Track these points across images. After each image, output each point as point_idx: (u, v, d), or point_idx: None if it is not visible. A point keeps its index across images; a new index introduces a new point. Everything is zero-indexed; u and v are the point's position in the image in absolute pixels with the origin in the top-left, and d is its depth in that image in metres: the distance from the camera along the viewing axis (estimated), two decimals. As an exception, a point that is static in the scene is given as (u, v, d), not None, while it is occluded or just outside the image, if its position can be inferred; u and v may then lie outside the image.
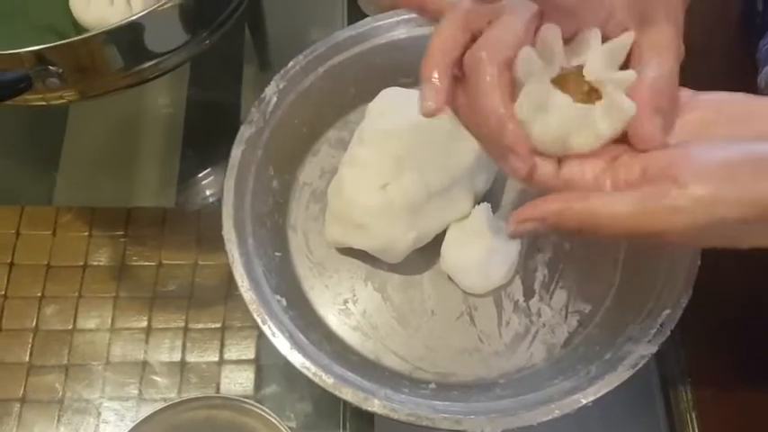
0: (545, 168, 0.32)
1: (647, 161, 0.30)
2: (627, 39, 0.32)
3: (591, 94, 0.32)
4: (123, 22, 0.41)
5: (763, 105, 0.31)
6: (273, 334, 0.39)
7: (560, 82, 0.32)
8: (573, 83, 0.32)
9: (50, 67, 0.40)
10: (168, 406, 0.40)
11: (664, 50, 0.31)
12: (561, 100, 0.31)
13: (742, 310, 0.44)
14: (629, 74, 0.31)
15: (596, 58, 0.32)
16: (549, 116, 0.31)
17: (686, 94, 0.32)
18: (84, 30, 0.47)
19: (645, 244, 0.32)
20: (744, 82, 0.49)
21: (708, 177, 0.28)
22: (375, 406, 0.37)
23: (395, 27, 0.48)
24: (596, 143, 0.31)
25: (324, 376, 0.38)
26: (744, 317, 0.44)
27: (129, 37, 0.42)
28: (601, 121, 0.31)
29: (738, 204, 0.27)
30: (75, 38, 0.40)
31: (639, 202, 0.29)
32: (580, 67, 0.32)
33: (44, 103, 0.44)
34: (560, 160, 0.32)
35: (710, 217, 0.28)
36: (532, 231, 0.31)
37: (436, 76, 0.31)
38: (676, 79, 0.32)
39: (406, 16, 0.48)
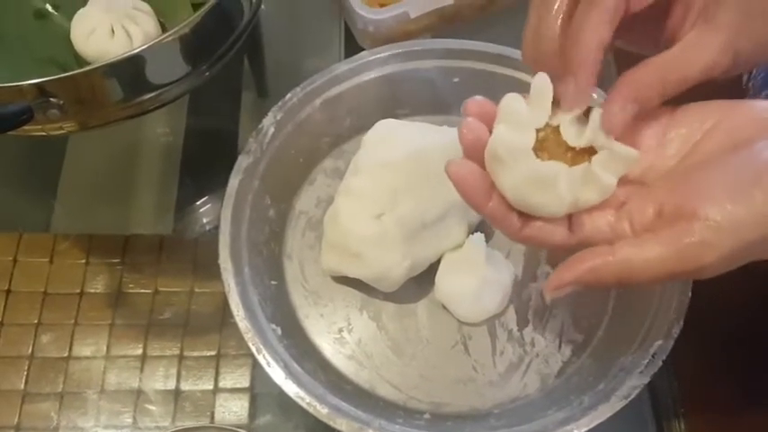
0: (557, 233, 0.32)
1: (660, 201, 0.30)
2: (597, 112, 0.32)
3: (572, 155, 0.32)
4: (125, 55, 0.41)
5: (738, 108, 0.32)
6: (268, 363, 0.39)
7: (538, 145, 0.32)
8: (552, 143, 0.32)
9: (52, 99, 0.40)
10: (163, 435, 0.40)
11: (705, 40, 0.31)
12: (558, 168, 0.31)
13: (734, 339, 0.45)
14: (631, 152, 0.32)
15: (592, 124, 0.32)
16: (556, 189, 0.31)
17: (667, 108, 0.33)
18: (85, 62, 0.48)
19: (689, 279, 0.33)
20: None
21: (722, 206, 0.28)
22: (369, 437, 0.37)
23: (390, 60, 0.48)
24: (604, 196, 0.32)
25: (318, 406, 0.38)
26: (736, 346, 0.45)
27: (129, 69, 0.43)
28: (603, 175, 0.31)
29: (757, 225, 0.28)
30: (77, 71, 0.41)
31: (669, 246, 0.29)
32: (556, 128, 0.32)
33: (44, 133, 0.45)
34: (570, 218, 0.32)
35: (736, 244, 0.28)
36: (570, 293, 0.31)
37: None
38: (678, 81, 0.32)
39: (401, 50, 0.49)
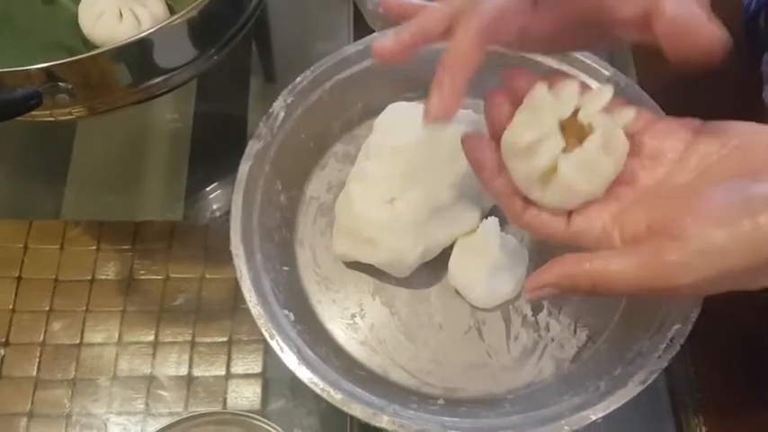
0: (556, 225, 0.33)
1: (653, 215, 0.30)
2: (607, 93, 0.32)
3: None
4: (133, 38, 0.41)
5: (760, 136, 0.31)
6: (281, 349, 0.38)
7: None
8: (572, 129, 0.33)
9: (60, 84, 0.40)
10: (177, 421, 0.40)
11: None
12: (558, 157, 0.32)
13: (753, 323, 0.44)
14: (629, 111, 0.32)
15: (593, 101, 0.32)
16: (559, 172, 0.32)
17: (692, 124, 0.32)
18: (94, 46, 0.48)
19: (658, 296, 0.34)
20: (748, 97, 0.49)
21: (708, 230, 0.28)
22: (384, 422, 0.37)
23: (402, 42, 0.48)
24: (603, 186, 0.32)
25: (332, 392, 0.37)
26: (755, 331, 0.44)
27: (138, 53, 0.42)
28: (605, 162, 0.32)
29: (739, 255, 0.27)
30: (86, 54, 0.40)
31: (645, 261, 0.29)
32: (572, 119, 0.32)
33: (52, 118, 0.45)
34: (569, 214, 0.33)
35: (715, 269, 0.28)
36: (550, 295, 0.32)
37: (406, 30, 0.33)
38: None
39: (412, 31, 0.48)
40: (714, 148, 0.31)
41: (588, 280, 0.30)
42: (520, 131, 0.32)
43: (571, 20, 0.33)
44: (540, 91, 0.33)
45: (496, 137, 0.34)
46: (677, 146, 0.32)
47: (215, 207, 0.55)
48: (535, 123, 0.32)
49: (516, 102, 0.34)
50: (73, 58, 0.40)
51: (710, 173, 0.31)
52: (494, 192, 0.34)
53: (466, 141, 0.34)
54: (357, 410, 0.37)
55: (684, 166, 0.32)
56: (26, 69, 0.39)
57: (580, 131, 0.32)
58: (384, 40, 0.33)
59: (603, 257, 0.30)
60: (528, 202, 0.33)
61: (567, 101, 0.32)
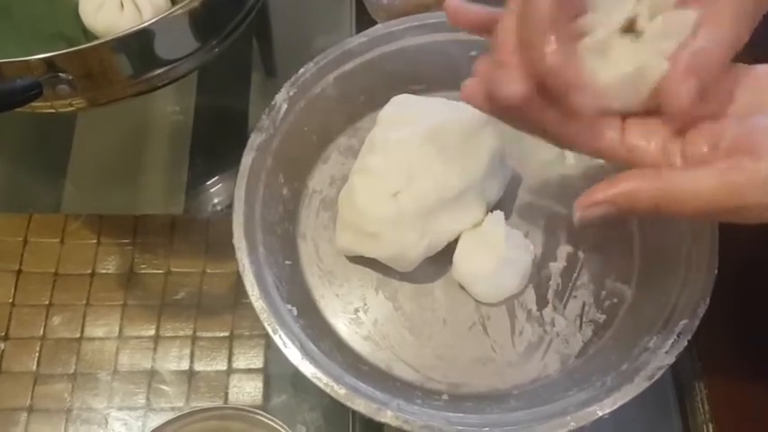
0: (610, 133, 0.30)
1: (717, 135, 0.29)
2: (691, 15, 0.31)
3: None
4: (134, 28, 0.41)
5: None
6: (285, 344, 0.38)
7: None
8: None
9: (61, 74, 0.40)
10: (180, 416, 0.39)
11: (718, 21, 0.30)
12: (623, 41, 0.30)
13: (761, 318, 0.44)
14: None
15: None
16: (615, 56, 0.30)
17: (742, 68, 0.31)
18: (94, 36, 0.47)
19: (725, 219, 0.30)
20: None
21: None
22: (388, 417, 0.36)
23: (405, 34, 0.47)
24: (664, 66, 0.30)
25: (335, 387, 0.37)
26: (763, 326, 0.44)
27: (139, 44, 0.42)
28: (665, 42, 0.30)
29: None
30: (86, 45, 0.40)
31: (721, 177, 0.27)
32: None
33: (53, 110, 0.44)
34: (623, 123, 0.30)
35: None
36: (603, 216, 0.29)
37: (507, 60, 0.30)
38: (724, 54, 0.30)
39: (416, 23, 0.47)
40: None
41: (651, 199, 0.28)
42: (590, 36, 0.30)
43: None
44: None
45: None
46: (731, 84, 0.30)
47: (216, 201, 0.54)
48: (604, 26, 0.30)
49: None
50: (73, 49, 0.39)
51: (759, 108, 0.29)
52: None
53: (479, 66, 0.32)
54: (361, 405, 0.37)
55: (738, 102, 0.30)
56: (26, 60, 0.39)
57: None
58: (513, 87, 0.30)
59: (672, 174, 0.28)
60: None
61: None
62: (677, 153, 0.30)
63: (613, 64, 0.31)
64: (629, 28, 0.31)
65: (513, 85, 0.30)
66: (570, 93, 0.29)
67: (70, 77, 0.40)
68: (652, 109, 0.31)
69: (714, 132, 0.29)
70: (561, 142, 0.32)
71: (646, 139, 0.30)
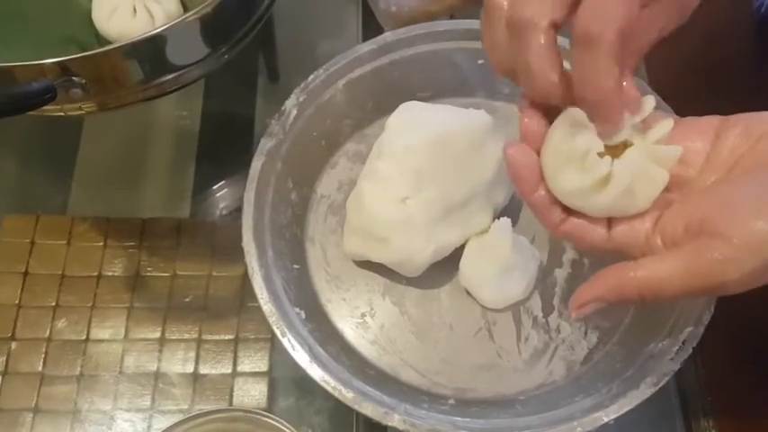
0: (596, 233, 0.32)
1: (689, 215, 0.30)
2: (667, 125, 0.32)
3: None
4: (147, 34, 0.41)
5: None
6: (293, 347, 0.38)
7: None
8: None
9: (74, 78, 0.40)
10: (187, 418, 0.39)
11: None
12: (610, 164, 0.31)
13: (760, 326, 0.44)
14: (668, 122, 0.32)
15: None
16: (616, 175, 0.31)
17: (714, 122, 0.32)
18: (107, 41, 0.48)
19: (711, 295, 0.33)
20: (761, 98, 0.49)
21: (747, 222, 0.28)
22: (395, 421, 0.37)
23: (414, 42, 0.48)
24: (657, 192, 0.32)
25: (343, 390, 0.37)
26: (762, 333, 0.44)
27: (151, 49, 0.42)
28: (657, 170, 0.31)
29: None
30: (100, 49, 0.40)
31: (689, 263, 0.29)
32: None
33: (62, 113, 0.44)
34: (609, 223, 0.32)
35: (762, 259, 0.28)
36: (596, 311, 0.31)
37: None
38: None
39: (424, 31, 0.48)
40: (739, 142, 0.31)
41: (635, 289, 0.30)
42: (569, 141, 0.32)
43: None
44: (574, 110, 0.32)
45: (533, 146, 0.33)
46: (703, 146, 0.32)
47: (222, 205, 0.54)
48: (582, 132, 0.32)
49: (550, 113, 0.33)
50: (87, 53, 0.40)
51: (739, 167, 0.31)
52: (533, 203, 0.33)
53: (509, 150, 0.32)
54: (368, 409, 0.37)
55: (712, 164, 0.32)
56: (40, 64, 0.39)
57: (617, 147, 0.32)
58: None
59: (647, 265, 0.30)
60: (565, 210, 0.33)
61: None
62: (659, 240, 0.31)
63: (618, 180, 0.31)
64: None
65: None
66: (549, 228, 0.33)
67: (83, 81, 0.40)
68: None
69: (685, 212, 0.30)
70: (552, 232, 0.34)
71: (630, 234, 0.32)
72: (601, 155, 0.31)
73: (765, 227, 0.27)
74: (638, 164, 0.31)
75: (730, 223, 0.28)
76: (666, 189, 0.32)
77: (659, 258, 0.30)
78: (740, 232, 0.28)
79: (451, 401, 0.40)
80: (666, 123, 0.32)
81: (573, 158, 0.32)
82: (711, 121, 0.33)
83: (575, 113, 0.32)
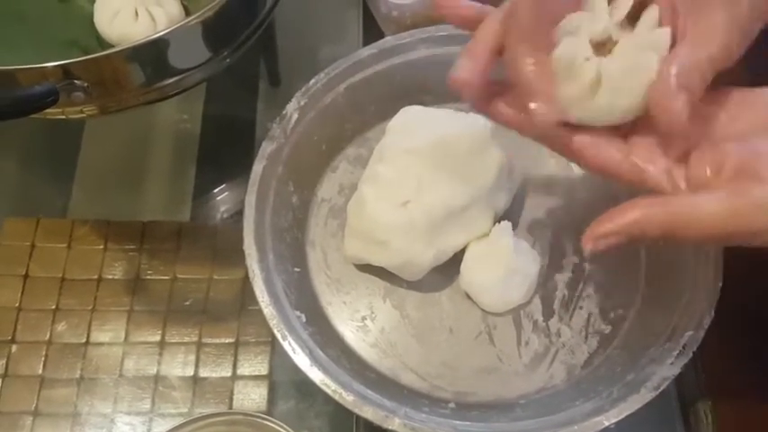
0: (611, 150, 0.31)
1: (720, 158, 0.29)
2: (653, 12, 0.31)
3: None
4: (149, 37, 0.41)
5: None
6: (294, 350, 0.38)
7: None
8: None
9: (76, 82, 0.40)
10: (187, 421, 0.39)
11: (707, 36, 0.30)
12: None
13: (760, 328, 0.44)
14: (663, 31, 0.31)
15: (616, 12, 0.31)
16: (610, 64, 0.31)
17: (739, 92, 0.31)
18: (108, 45, 0.48)
19: (732, 243, 0.30)
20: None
21: None
22: (396, 425, 0.37)
23: (415, 46, 0.48)
24: (650, 77, 0.30)
25: (344, 394, 0.37)
26: (762, 336, 0.44)
27: (153, 53, 0.42)
28: (643, 56, 0.30)
29: None
30: (102, 53, 0.40)
31: (729, 203, 0.28)
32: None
33: (63, 117, 0.45)
34: (628, 143, 0.31)
35: None
36: (614, 246, 0.30)
37: (474, 52, 0.32)
38: (709, 70, 0.30)
39: (426, 35, 0.48)
40: (763, 112, 0.30)
41: (661, 225, 0.28)
42: (557, 52, 0.31)
43: None
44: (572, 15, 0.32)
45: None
46: (730, 107, 0.31)
47: (223, 208, 0.54)
48: (572, 42, 0.31)
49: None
50: (89, 57, 0.40)
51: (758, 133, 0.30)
52: (537, 129, 0.31)
53: (453, 75, 0.32)
54: (369, 413, 0.37)
55: (735, 127, 0.31)
56: (42, 67, 0.39)
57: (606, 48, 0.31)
58: (461, 72, 0.32)
59: (684, 199, 0.29)
60: (571, 127, 0.31)
61: (599, 17, 0.31)
62: (681, 176, 0.30)
63: (582, 76, 0.31)
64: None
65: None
66: (532, 100, 0.30)
67: (85, 85, 0.40)
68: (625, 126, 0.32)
69: (716, 156, 0.29)
70: (566, 154, 0.33)
71: (650, 159, 0.31)
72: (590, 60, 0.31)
73: None
74: (626, 56, 0.30)
75: None
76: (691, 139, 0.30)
77: (694, 196, 0.29)
78: None
79: (452, 405, 0.41)
80: (652, 10, 0.31)
81: (560, 67, 0.31)
82: (734, 90, 0.31)
83: (566, 23, 0.31)
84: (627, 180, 0.31)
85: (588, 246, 0.30)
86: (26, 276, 0.49)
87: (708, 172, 0.29)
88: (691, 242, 0.30)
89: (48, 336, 0.47)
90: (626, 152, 0.31)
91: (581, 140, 0.32)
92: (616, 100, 0.31)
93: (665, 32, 0.31)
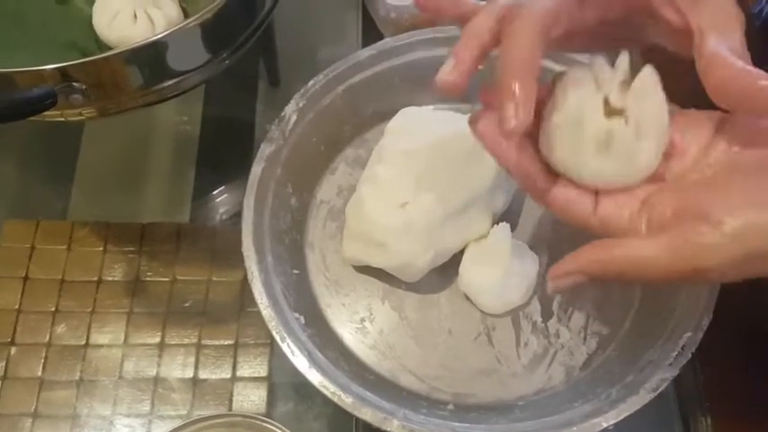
0: (582, 204, 0.31)
1: (680, 202, 0.30)
2: (624, 57, 0.31)
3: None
4: (148, 40, 0.41)
5: None
6: (293, 352, 0.38)
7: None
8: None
9: (75, 84, 0.40)
10: (187, 423, 0.39)
11: (726, 23, 0.30)
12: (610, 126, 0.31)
13: (760, 330, 0.44)
14: (646, 71, 0.31)
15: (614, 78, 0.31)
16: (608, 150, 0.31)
17: (715, 116, 0.32)
18: (107, 47, 0.48)
19: (687, 283, 0.32)
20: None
21: (740, 210, 0.28)
22: (394, 427, 0.37)
23: (414, 47, 0.48)
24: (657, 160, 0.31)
25: (342, 396, 0.37)
26: (761, 338, 0.44)
27: (152, 55, 0.42)
28: (643, 142, 0.31)
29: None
30: (100, 55, 0.40)
31: (672, 244, 0.28)
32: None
33: (62, 119, 0.45)
34: (597, 198, 0.32)
35: (744, 250, 0.28)
36: (574, 285, 0.31)
37: (462, 51, 0.31)
38: (745, 47, 0.30)
39: (424, 37, 0.48)
40: (738, 139, 0.31)
41: (617, 266, 0.29)
42: (561, 99, 0.31)
43: (615, 17, 0.33)
44: (578, 70, 0.32)
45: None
46: (701, 138, 0.32)
47: (222, 210, 0.55)
48: (578, 91, 0.31)
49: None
50: (87, 59, 0.40)
51: (737, 162, 0.30)
52: (514, 166, 0.31)
53: (475, 126, 0.32)
54: (368, 415, 0.37)
55: (709, 157, 0.31)
56: (40, 69, 0.39)
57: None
58: (447, 72, 0.31)
59: (632, 242, 0.30)
60: (551, 176, 0.32)
61: (608, 79, 0.31)
62: (643, 222, 0.30)
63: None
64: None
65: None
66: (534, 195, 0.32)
67: (84, 87, 0.40)
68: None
69: (680, 199, 0.30)
70: (535, 197, 0.33)
71: (617, 210, 0.31)
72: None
73: (758, 219, 0.27)
74: (643, 123, 0.30)
75: (724, 209, 0.28)
76: (659, 178, 0.31)
77: (646, 237, 0.30)
78: (732, 218, 0.27)
79: (450, 407, 0.41)
80: (623, 55, 0.31)
81: (568, 120, 0.31)
82: (712, 115, 0.32)
83: (575, 72, 0.31)
84: (595, 230, 0.32)
85: (551, 284, 0.32)
86: (26, 278, 0.49)
87: (668, 212, 0.30)
88: (643, 282, 0.31)
89: (47, 338, 0.47)
90: (594, 206, 0.32)
91: (558, 194, 0.32)
92: (621, 166, 0.31)
93: (647, 72, 0.31)
